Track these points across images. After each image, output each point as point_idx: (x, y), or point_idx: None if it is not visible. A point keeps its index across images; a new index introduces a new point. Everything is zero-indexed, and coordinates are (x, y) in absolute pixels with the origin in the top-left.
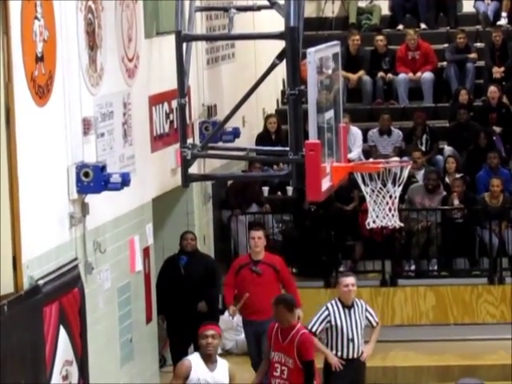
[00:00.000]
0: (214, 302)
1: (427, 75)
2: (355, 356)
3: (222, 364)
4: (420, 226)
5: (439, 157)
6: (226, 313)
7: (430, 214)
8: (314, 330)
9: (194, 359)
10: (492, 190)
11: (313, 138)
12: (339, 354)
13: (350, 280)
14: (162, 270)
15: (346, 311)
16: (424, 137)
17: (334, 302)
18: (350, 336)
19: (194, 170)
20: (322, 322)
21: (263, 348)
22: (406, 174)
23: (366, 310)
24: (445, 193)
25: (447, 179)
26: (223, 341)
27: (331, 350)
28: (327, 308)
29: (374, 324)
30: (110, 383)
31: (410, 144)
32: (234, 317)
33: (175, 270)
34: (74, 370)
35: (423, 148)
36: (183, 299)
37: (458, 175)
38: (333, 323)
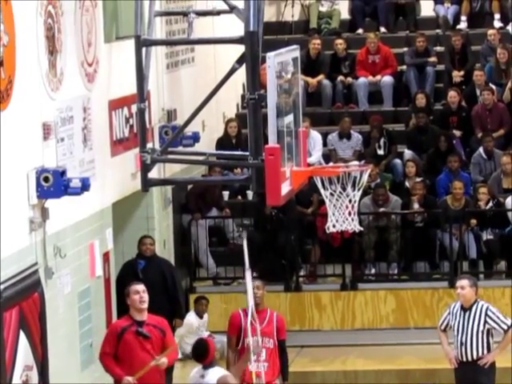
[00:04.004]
0: (180, 307)
1: (387, 79)
2: (465, 359)
3: None
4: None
5: (397, 160)
6: (188, 315)
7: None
8: (438, 324)
9: None
10: (454, 193)
11: (272, 142)
12: (455, 354)
13: (460, 283)
14: (120, 274)
15: (463, 313)
16: (382, 140)
17: (458, 302)
18: (462, 338)
19: (153, 174)
20: (444, 320)
21: None
22: (365, 178)
23: (486, 314)
24: (395, 197)
25: (407, 183)
26: (183, 345)
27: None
28: (449, 307)
29: (499, 330)
30: None
31: (368, 147)
32: None
33: (133, 275)
34: (34, 375)
35: (381, 151)
36: None
37: (418, 179)
38: (450, 323)
